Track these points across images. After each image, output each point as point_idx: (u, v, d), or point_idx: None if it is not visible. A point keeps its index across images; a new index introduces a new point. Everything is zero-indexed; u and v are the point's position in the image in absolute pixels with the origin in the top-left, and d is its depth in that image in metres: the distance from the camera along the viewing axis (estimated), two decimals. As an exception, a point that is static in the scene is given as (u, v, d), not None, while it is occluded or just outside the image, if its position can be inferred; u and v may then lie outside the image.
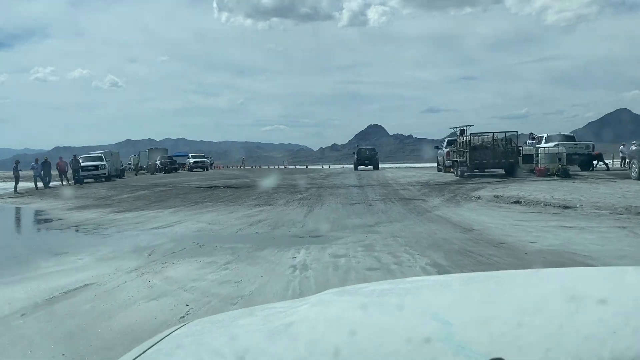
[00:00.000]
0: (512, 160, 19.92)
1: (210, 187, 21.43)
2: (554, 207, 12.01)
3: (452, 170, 23.98)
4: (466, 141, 20.38)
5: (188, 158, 54.51)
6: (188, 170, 51.27)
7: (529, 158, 20.48)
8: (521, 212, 11.71)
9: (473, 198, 14.50)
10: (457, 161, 21.41)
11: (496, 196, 14.18)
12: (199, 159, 52.84)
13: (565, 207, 11.77)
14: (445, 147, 25.41)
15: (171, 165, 50.16)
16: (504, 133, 20.42)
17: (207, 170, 51.95)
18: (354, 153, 43.34)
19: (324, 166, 68.43)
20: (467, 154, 19.98)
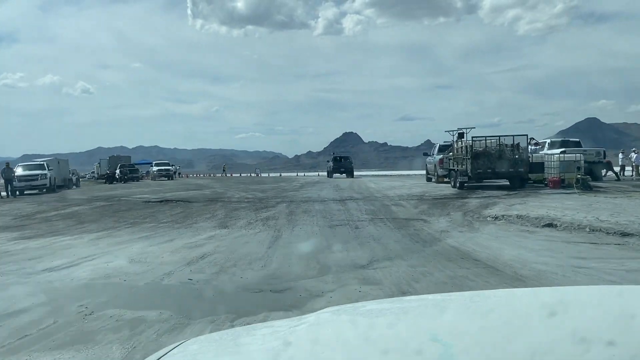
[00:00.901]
0: (522, 170, 16.85)
1: (161, 202, 17.85)
2: (607, 234, 8.85)
3: (446, 180, 20.90)
4: (466, 146, 17.25)
5: (151, 166, 50.46)
6: (151, 180, 47.39)
7: (537, 167, 17.43)
8: (567, 242, 8.49)
9: (489, 218, 11.28)
10: (455, 170, 18.26)
11: (519, 216, 10.99)
12: (163, 167, 48.84)
13: (624, 235, 8.63)
14: (437, 154, 22.28)
15: (132, 174, 46.11)
16: (511, 137, 17.35)
17: (172, 179, 48.09)
18: (328, 161, 42.43)
19: (299, 174, 65.19)
20: (468, 162, 16.85)
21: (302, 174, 66.83)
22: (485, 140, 17.16)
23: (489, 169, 16.63)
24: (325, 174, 42.20)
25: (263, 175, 77.31)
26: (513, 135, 17.40)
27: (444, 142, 22.37)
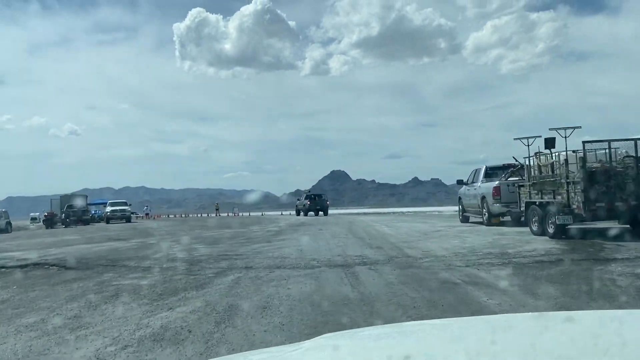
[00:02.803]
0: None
1: (22, 267, 9.98)
2: None
3: (503, 219, 13.37)
4: (565, 161, 9.68)
5: (105, 206, 42.28)
6: (106, 223, 39.32)
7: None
8: None
9: None
10: (539, 204, 10.63)
11: None
12: (117, 208, 40.62)
13: None
14: (485, 180, 14.68)
15: (77, 215, 37.92)
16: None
17: (130, 221, 39.96)
18: (298, 199, 41.11)
19: (284, 213, 57.41)
20: (577, 188, 9.28)
21: (288, 212, 58.98)
22: (609, 148, 9.52)
23: (619, 201, 9.04)
24: (317, 216, 35.90)
25: (243, 214, 69.03)
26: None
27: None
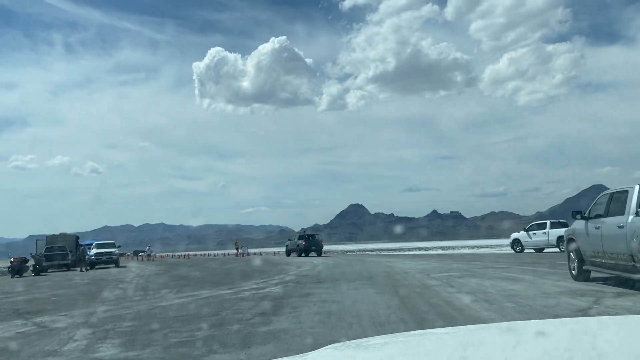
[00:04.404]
0: None
1: None
2: None
3: None
4: None
5: (89, 248, 36.23)
6: (90, 268, 33.43)
7: None
8: None
9: None
10: None
11: None
12: (103, 250, 34.68)
13: None
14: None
15: (56, 259, 32.06)
16: None
17: (118, 265, 34.03)
18: (290, 239, 40.57)
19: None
20: None
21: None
22: None
23: None
24: (340, 259, 30.57)
25: (256, 251, 62.82)
26: None
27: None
